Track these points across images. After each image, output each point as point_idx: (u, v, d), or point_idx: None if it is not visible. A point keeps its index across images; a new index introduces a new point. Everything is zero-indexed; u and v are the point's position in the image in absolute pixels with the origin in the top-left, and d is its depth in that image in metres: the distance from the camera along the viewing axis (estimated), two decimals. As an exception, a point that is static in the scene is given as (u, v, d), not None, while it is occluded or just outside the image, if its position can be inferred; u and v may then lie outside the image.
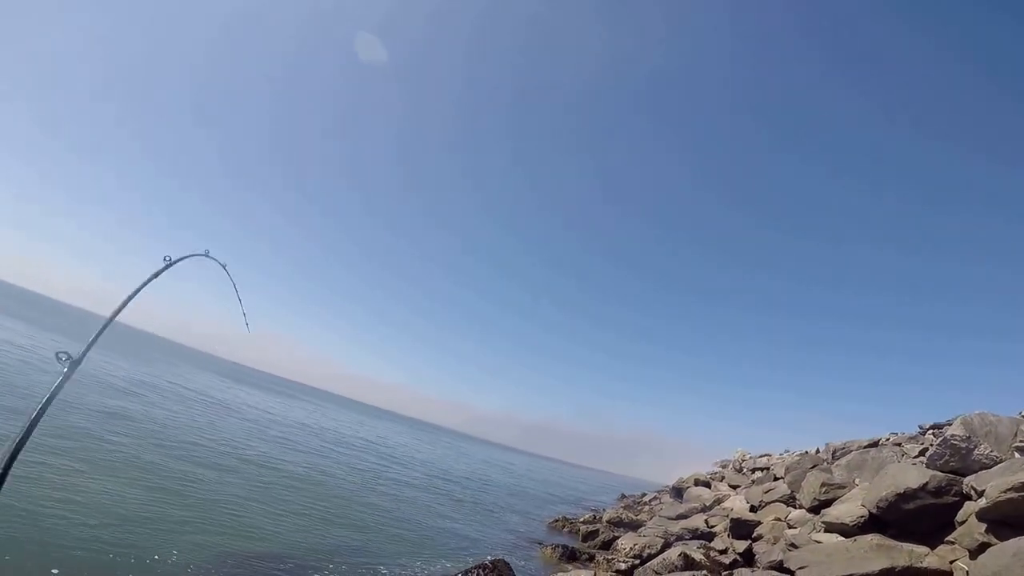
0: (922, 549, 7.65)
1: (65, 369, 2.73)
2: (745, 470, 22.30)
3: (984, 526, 7.21)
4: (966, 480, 8.26)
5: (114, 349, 39.66)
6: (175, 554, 6.92)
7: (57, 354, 2.72)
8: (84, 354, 2.87)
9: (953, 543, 7.60)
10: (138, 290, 3.36)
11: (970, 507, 7.69)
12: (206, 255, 4.12)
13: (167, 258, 3.62)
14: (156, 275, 3.52)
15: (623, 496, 35.18)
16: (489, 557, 9.77)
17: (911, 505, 8.42)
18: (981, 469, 8.46)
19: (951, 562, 7.30)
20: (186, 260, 3.77)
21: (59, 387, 2.71)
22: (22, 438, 2.53)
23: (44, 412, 2.65)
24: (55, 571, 5.56)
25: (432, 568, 9.66)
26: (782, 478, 15.44)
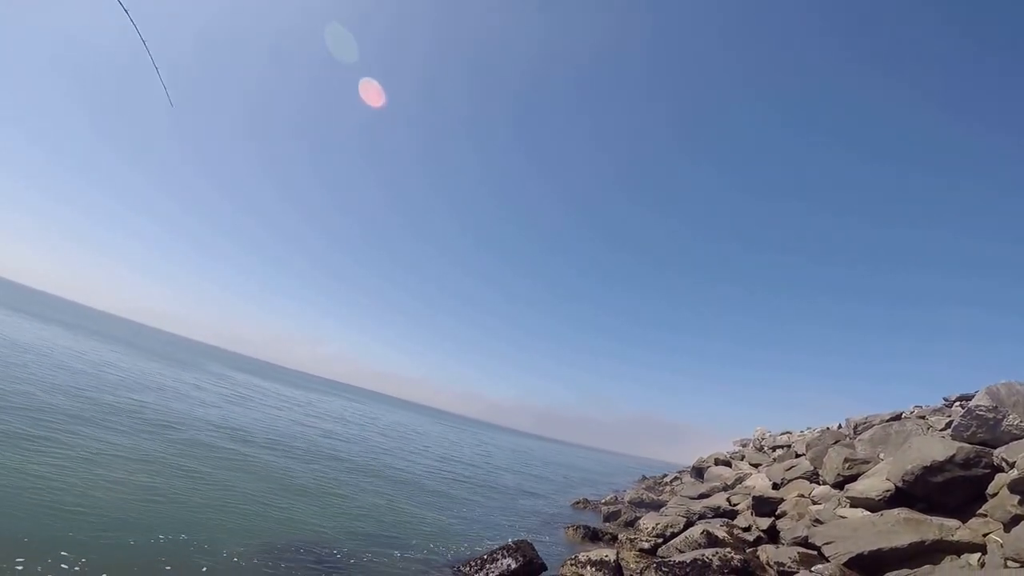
0: (953, 522, 7.53)
1: None
2: (765, 448, 22.18)
3: (1017, 498, 7.05)
4: (996, 451, 8.08)
5: (160, 355, 40.49)
6: (192, 542, 7.04)
7: None
8: None
9: (985, 516, 7.46)
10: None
11: (1002, 479, 7.53)
12: None
13: None
14: None
15: (644, 478, 35.30)
16: (512, 538, 9.84)
17: (939, 478, 8.28)
18: (1012, 440, 8.25)
19: (984, 535, 7.17)
20: None
21: None
22: None
23: None
24: (64, 554, 5.71)
25: (457, 551, 9.77)
26: (804, 455, 15.31)
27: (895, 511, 8.26)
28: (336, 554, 8.04)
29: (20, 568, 5.27)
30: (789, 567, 7.98)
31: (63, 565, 5.53)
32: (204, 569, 6.37)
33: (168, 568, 6.12)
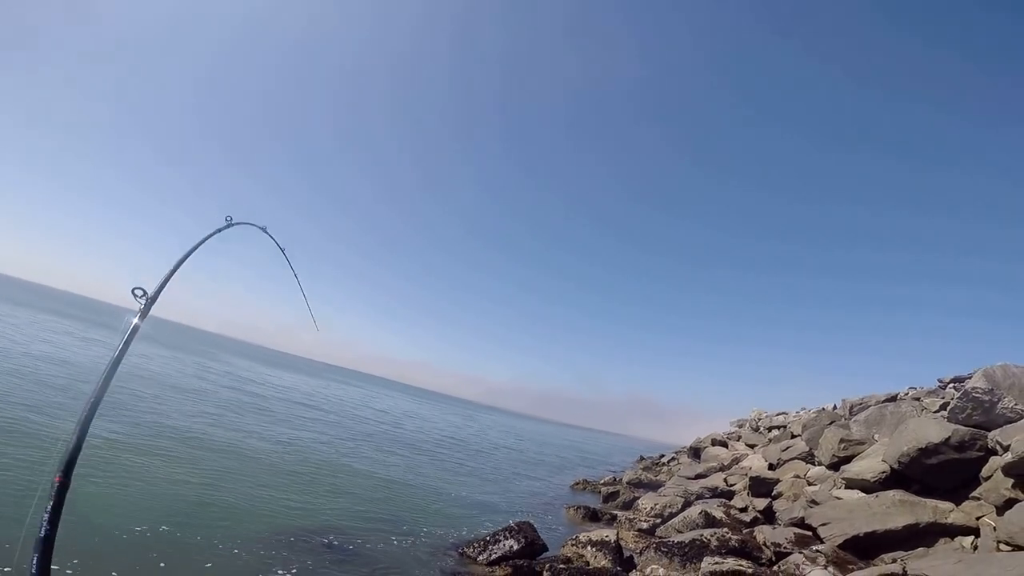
0: (947, 505, 7.66)
1: (141, 306, 2.68)
2: (762, 429, 22.46)
3: (1011, 482, 7.16)
4: (990, 434, 8.17)
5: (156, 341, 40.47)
6: (189, 532, 6.88)
7: (133, 290, 2.66)
8: (158, 292, 2.83)
9: (979, 499, 7.58)
10: (200, 244, 3.48)
11: (995, 462, 7.63)
12: (264, 230, 4.22)
13: (228, 218, 3.78)
14: (218, 231, 3.68)
15: (641, 458, 35.75)
16: (513, 520, 9.99)
17: (933, 460, 8.39)
18: (1006, 423, 8.32)
19: (977, 518, 7.29)
20: (239, 229, 3.90)
21: (136, 327, 2.65)
22: (103, 383, 2.45)
23: (123, 355, 2.57)
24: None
25: (459, 533, 9.91)
26: (799, 436, 15.51)
27: (890, 493, 8.39)
28: (337, 540, 8.03)
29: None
30: (785, 548, 8.13)
31: (69, 570, 5.18)
32: (209, 565, 6.16)
33: (162, 565, 5.85)
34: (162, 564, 5.88)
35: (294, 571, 6.54)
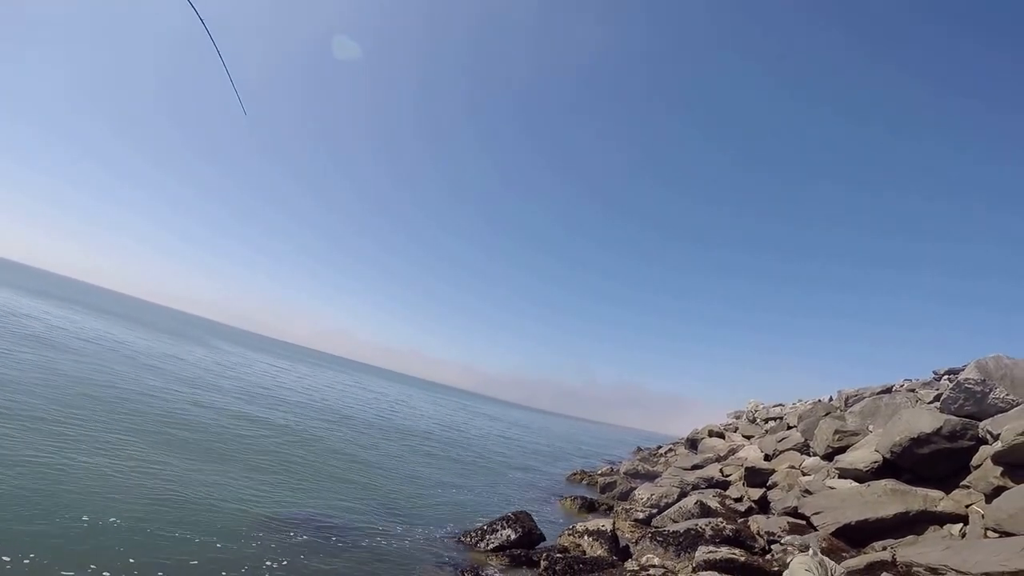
0: (937, 493, 7.79)
1: None
2: (758, 420, 22.62)
3: (1000, 470, 7.29)
4: (981, 424, 8.31)
5: (159, 328, 40.50)
6: (181, 523, 6.78)
7: None
8: None
9: (968, 487, 7.72)
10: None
11: (985, 451, 7.77)
12: None
13: None
14: None
15: (639, 449, 36.00)
16: (510, 510, 10.08)
17: (925, 450, 8.52)
18: (997, 413, 8.47)
19: (966, 506, 7.44)
20: None
21: None
22: None
23: None
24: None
25: (456, 523, 9.98)
26: (795, 427, 15.65)
27: (882, 482, 8.53)
28: (328, 531, 7.94)
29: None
30: (779, 536, 8.26)
31: (25, 560, 4.88)
32: (194, 562, 5.83)
33: (131, 560, 5.42)
34: (131, 560, 5.41)
35: (285, 563, 6.38)
